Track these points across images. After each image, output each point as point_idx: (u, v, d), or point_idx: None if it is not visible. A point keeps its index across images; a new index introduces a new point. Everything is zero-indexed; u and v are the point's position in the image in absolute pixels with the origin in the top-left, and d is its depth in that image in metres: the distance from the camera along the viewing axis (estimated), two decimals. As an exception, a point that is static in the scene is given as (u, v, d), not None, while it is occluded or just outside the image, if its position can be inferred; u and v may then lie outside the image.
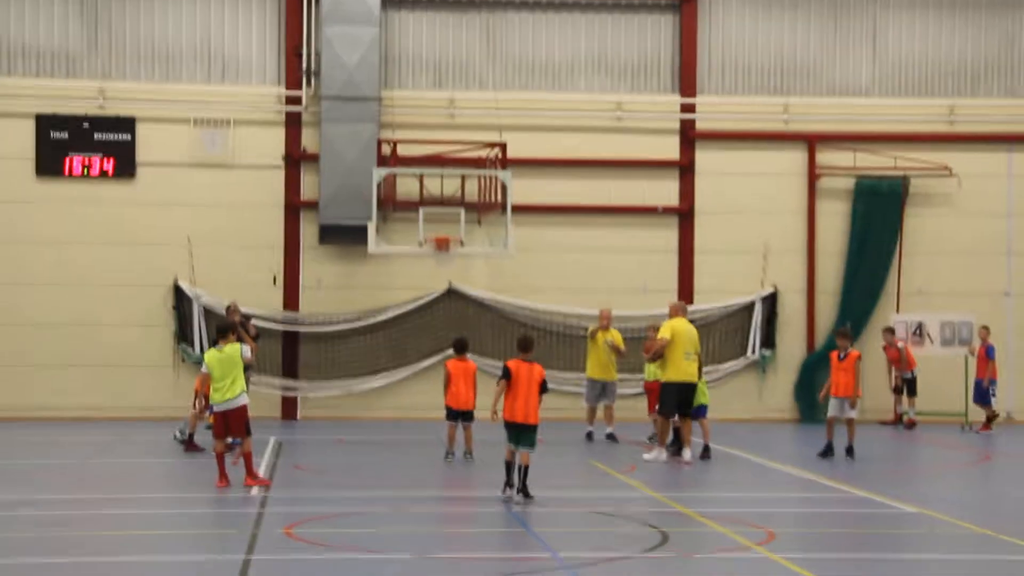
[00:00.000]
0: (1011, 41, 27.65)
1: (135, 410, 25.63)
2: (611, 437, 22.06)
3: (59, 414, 25.36)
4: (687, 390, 19.23)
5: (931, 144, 27.26)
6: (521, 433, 15.28)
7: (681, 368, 19.14)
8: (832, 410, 19.73)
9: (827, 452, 19.62)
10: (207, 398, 16.51)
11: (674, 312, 19.76)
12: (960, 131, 27.42)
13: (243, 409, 16.22)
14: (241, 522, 13.93)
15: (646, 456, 19.36)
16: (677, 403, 19.21)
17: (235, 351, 16.26)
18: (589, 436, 22.22)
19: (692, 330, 19.52)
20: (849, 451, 19.59)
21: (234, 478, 16.24)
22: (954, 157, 27.19)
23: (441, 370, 20.19)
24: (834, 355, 19.97)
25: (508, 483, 15.31)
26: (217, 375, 16.16)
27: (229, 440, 16.65)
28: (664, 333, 19.27)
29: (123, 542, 13.07)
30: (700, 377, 19.62)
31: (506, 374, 15.39)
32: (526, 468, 15.23)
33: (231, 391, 16.15)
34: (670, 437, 19.83)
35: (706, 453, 19.55)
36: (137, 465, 19.48)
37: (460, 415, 19.12)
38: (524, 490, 15.19)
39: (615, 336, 22.28)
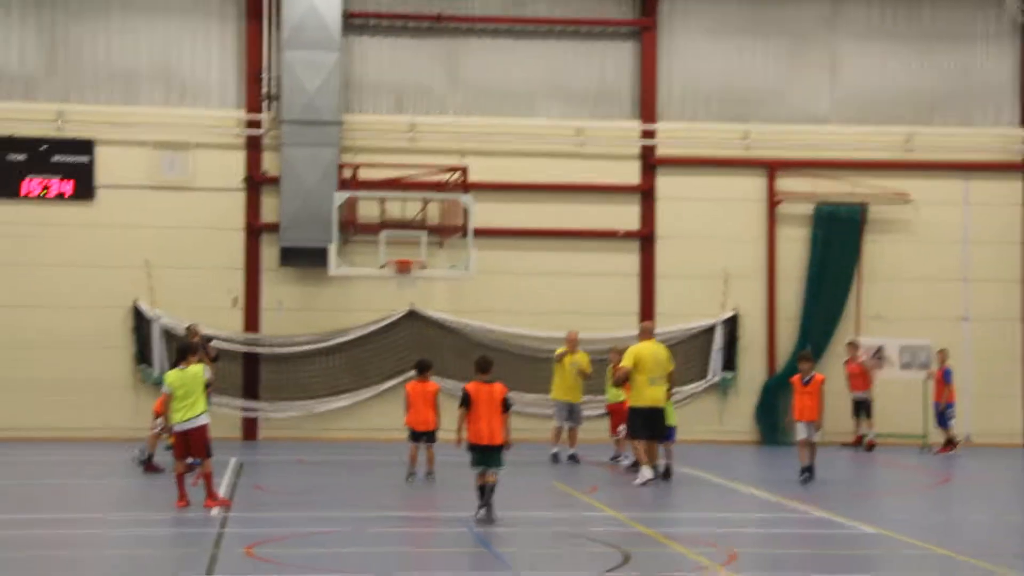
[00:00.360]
0: (967, 71, 27.97)
1: (94, 431, 25.43)
2: (573, 458, 22.13)
3: (17, 435, 25.12)
4: (653, 414, 19.14)
5: (889, 171, 27.53)
6: (489, 454, 15.27)
7: (644, 394, 19.10)
8: (801, 433, 19.58)
9: (807, 475, 19.45)
10: (167, 419, 16.43)
11: (641, 335, 19.78)
12: (918, 159, 27.69)
13: (204, 429, 16.15)
14: (201, 542, 13.83)
15: (635, 482, 19.02)
16: (644, 427, 19.15)
17: (198, 372, 16.22)
18: (555, 457, 22.20)
19: (660, 352, 19.42)
20: (809, 471, 19.57)
21: (194, 499, 16.13)
22: (912, 184, 27.46)
23: (402, 391, 20.16)
24: (796, 379, 19.83)
25: (481, 505, 15.23)
26: (179, 395, 16.08)
27: (189, 461, 16.55)
28: (626, 361, 19.22)
29: (81, 563, 12.94)
30: (669, 399, 19.61)
31: (465, 400, 15.37)
32: (492, 487, 15.21)
33: (192, 411, 16.08)
34: (632, 459, 19.81)
35: (667, 474, 19.54)
36: (96, 486, 19.32)
37: (422, 436, 19.08)
38: (489, 506, 15.16)
39: (582, 359, 22.40)
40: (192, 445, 16.13)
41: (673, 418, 19.81)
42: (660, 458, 19.59)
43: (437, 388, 19.38)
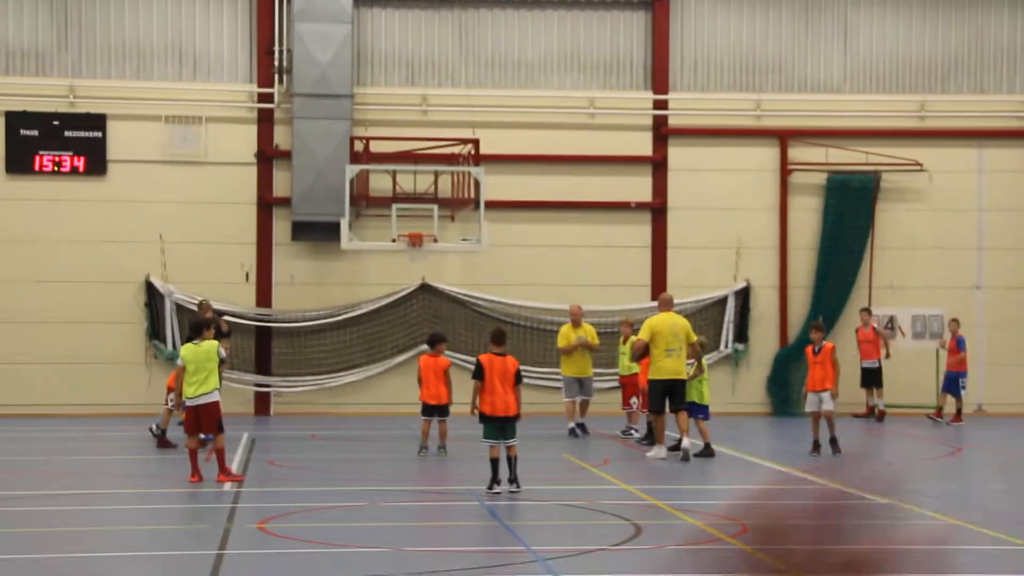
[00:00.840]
0: (980, 38, 27.80)
1: (107, 407, 25.52)
2: (582, 427, 21.99)
3: (30, 411, 25.21)
4: (673, 385, 18.73)
5: (902, 140, 27.40)
6: (505, 425, 15.30)
7: (661, 366, 18.66)
8: (810, 405, 19.42)
9: (816, 448, 19.23)
10: (180, 394, 16.49)
11: (660, 306, 19.48)
12: (931, 127, 27.56)
13: (215, 405, 16.20)
14: (214, 517, 13.91)
15: (648, 454, 18.93)
16: (664, 398, 18.79)
17: (212, 347, 16.25)
18: (572, 432, 21.98)
19: (677, 323, 19.01)
20: (833, 443, 19.23)
21: (207, 474, 16.20)
22: (925, 153, 27.34)
23: (415, 365, 20.22)
24: (808, 350, 19.78)
25: (496, 479, 15.22)
26: (192, 369, 16.13)
27: (201, 436, 16.63)
28: (643, 334, 18.88)
29: (95, 538, 13.03)
30: (702, 370, 19.34)
31: (479, 371, 15.39)
32: (515, 458, 15.27)
33: (204, 386, 16.12)
34: (643, 431, 19.79)
35: (707, 450, 19.08)
36: (109, 461, 19.42)
37: (435, 410, 19.12)
38: (515, 479, 15.20)
39: (588, 331, 22.32)
40: (203, 421, 16.18)
41: (707, 396, 19.43)
42: (696, 437, 19.00)
43: (448, 363, 19.39)
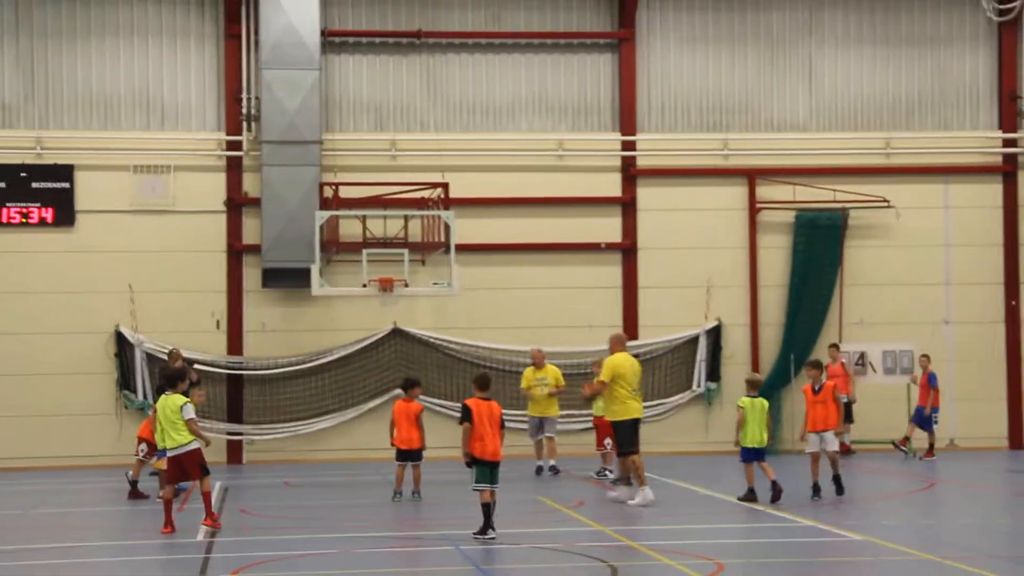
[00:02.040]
0: (943, 75, 28.08)
1: (78, 459, 25.36)
2: (553, 470, 22.48)
3: (1, 465, 25.01)
4: (638, 425, 18.80)
5: (869, 177, 27.61)
6: (494, 470, 15.37)
7: (631, 406, 18.55)
8: (812, 446, 19.01)
9: (816, 492, 18.78)
10: (151, 444, 16.38)
11: (614, 346, 18.98)
12: (896, 164, 27.79)
13: (197, 452, 16.11)
14: (187, 568, 13.80)
15: (632, 502, 18.25)
16: (636, 436, 18.57)
17: (177, 404, 16.07)
18: (538, 470, 22.59)
19: (635, 363, 18.96)
20: (836, 482, 18.87)
21: (184, 523, 16.08)
22: (891, 189, 27.55)
23: (388, 410, 20.29)
24: (807, 389, 19.27)
25: (490, 525, 15.14)
26: (162, 419, 16.05)
27: (180, 485, 16.51)
28: (604, 375, 18.60)
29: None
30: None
31: (467, 415, 15.36)
32: (495, 504, 15.36)
33: (181, 436, 16.02)
34: (617, 472, 19.74)
35: (776, 494, 18.23)
36: (81, 514, 19.25)
37: (407, 455, 19.10)
38: (492, 526, 15.24)
39: (552, 372, 22.95)
40: (188, 467, 16.07)
41: (762, 438, 18.67)
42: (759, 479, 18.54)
43: (421, 408, 19.39)
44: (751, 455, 18.68)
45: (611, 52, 27.46)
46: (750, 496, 18.47)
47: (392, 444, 19.22)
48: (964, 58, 28.15)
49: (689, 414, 27.12)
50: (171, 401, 16.15)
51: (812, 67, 27.83)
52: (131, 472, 20.01)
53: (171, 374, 16.91)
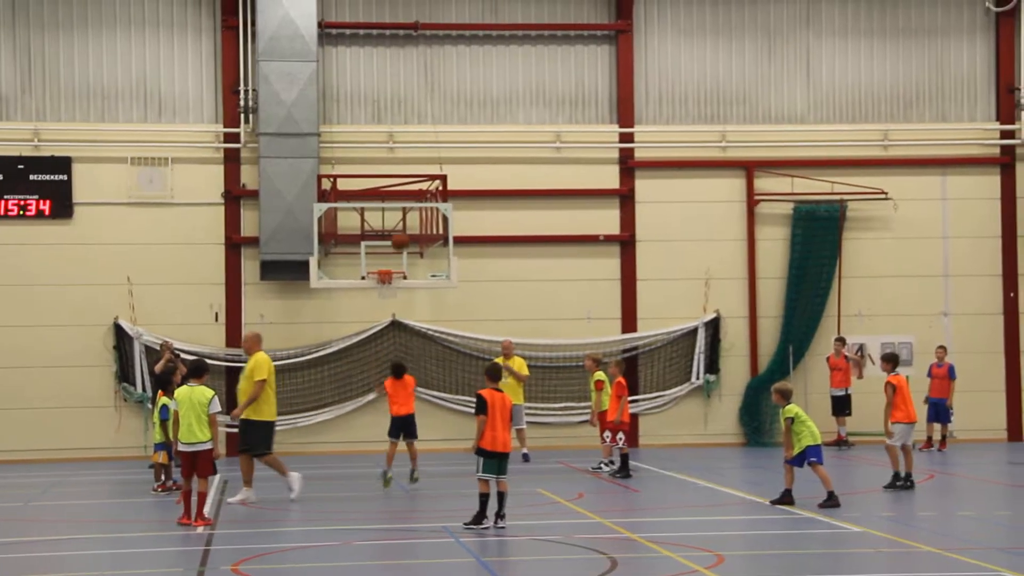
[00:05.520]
0: (941, 67, 28.07)
1: (77, 451, 25.34)
2: (525, 458, 23.35)
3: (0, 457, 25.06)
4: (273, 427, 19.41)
5: (867, 169, 27.60)
6: (502, 462, 15.44)
7: (274, 408, 19.33)
8: (900, 438, 19.08)
9: (897, 482, 18.94)
10: (173, 436, 16.34)
11: (254, 346, 19.12)
12: (894, 156, 27.78)
13: (212, 450, 16.07)
14: (188, 561, 13.81)
15: (232, 500, 18.31)
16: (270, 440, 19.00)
17: (204, 396, 16.07)
18: (525, 457, 23.40)
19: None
20: (908, 479, 19.02)
21: (172, 516, 16.11)
22: (889, 181, 27.54)
23: (387, 402, 20.39)
24: (897, 381, 19.25)
25: (483, 515, 15.26)
26: (184, 413, 16.01)
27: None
28: (259, 375, 18.85)
29: (68, 583, 12.90)
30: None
31: (483, 407, 15.42)
32: (505, 494, 15.51)
33: (201, 432, 15.99)
34: (618, 464, 19.74)
35: (831, 501, 17.15)
36: (80, 506, 19.25)
37: (402, 425, 19.49)
38: (504, 515, 15.42)
39: (517, 363, 23.98)
40: (200, 464, 16.03)
41: (818, 435, 17.58)
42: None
43: (415, 381, 20.46)
44: (814, 452, 17.40)
45: (609, 44, 27.43)
46: (787, 499, 17.34)
47: (391, 415, 19.85)
48: (962, 50, 28.13)
49: (688, 406, 27.13)
50: (198, 393, 16.10)
51: (810, 59, 27.82)
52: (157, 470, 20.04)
53: (196, 365, 16.77)
